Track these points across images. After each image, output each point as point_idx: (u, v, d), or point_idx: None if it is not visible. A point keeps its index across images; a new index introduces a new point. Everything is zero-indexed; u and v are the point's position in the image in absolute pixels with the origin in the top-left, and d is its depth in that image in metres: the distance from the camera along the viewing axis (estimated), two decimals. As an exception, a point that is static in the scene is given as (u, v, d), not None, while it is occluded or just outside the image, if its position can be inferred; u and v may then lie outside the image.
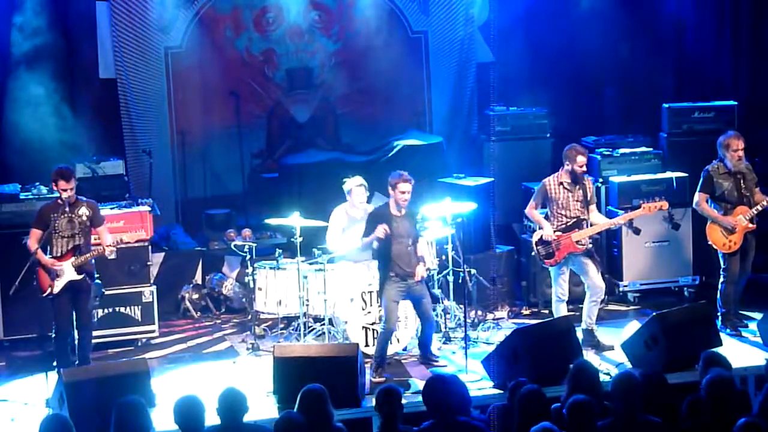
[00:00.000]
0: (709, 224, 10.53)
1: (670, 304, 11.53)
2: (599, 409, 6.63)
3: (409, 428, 6.72)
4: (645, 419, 6.58)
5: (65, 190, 9.44)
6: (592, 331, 10.28)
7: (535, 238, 10.37)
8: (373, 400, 6.86)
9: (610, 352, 10.10)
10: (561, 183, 10.23)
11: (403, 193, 9.66)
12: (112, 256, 9.78)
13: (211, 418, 6.80)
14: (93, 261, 9.69)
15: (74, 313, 9.59)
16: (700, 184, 10.58)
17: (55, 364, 9.39)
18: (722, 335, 10.15)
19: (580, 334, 9.91)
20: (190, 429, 6.67)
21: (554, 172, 10.42)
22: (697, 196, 10.59)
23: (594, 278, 10.24)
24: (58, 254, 9.49)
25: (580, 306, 10.64)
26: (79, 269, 9.48)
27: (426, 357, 10.06)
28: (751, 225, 10.41)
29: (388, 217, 9.74)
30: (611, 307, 11.78)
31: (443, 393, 6.70)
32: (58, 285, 9.45)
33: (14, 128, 12.36)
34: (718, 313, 10.52)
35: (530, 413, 6.54)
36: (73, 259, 9.48)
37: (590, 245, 10.31)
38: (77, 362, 9.65)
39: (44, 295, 9.45)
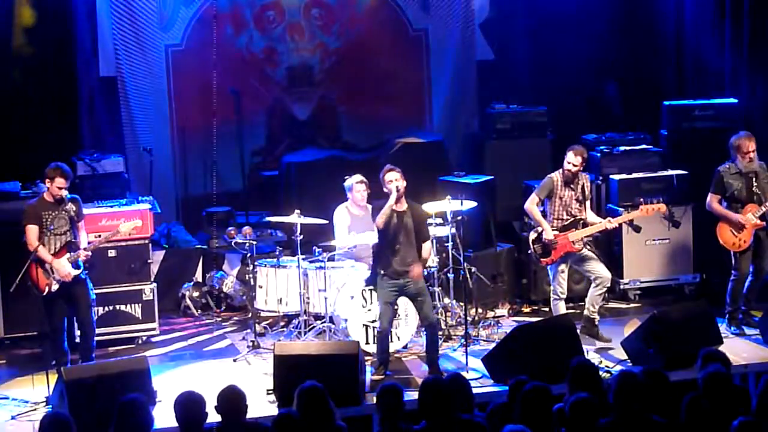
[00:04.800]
0: (719, 224, 10.50)
1: (671, 302, 11.58)
2: (600, 407, 6.62)
3: (410, 426, 6.72)
4: (646, 417, 6.58)
5: (61, 188, 9.38)
6: (594, 320, 10.27)
7: (533, 236, 10.38)
8: (374, 398, 6.86)
9: (610, 350, 10.10)
10: (565, 181, 10.24)
11: (391, 181, 9.48)
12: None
13: (212, 416, 6.80)
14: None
15: (73, 310, 9.57)
16: (711, 185, 10.54)
17: (53, 363, 9.39)
18: (727, 333, 10.20)
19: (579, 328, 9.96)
20: (190, 424, 6.67)
21: (554, 171, 10.43)
22: (709, 197, 10.55)
23: (598, 270, 10.22)
24: (52, 252, 9.41)
25: (580, 304, 10.66)
26: (75, 264, 9.47)
27: (432, 366, 9.67)
28: (760, 222, 10.37)
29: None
30: (612, 304, 11.78)
31: (438, 395, 6.67)
32: (57, 284, 9.42)
33: (14, 126, 12.38)
34: (725, 311, 10.52)
35: (533, 411, 6.52)
36: (68, 255, 9.44)
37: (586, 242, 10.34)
38: (80, 360, 9.65)
39: (43, 294, 9.39)
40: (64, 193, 9.43)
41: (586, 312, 10.26)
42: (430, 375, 9.26)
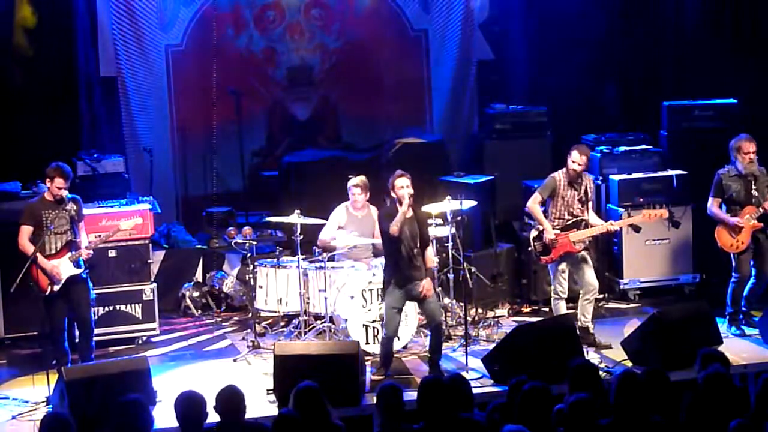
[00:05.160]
0: (717, 228, 10.49)
1: (671, 302, 11.58)
2: (601, 408, 6.63)
3: (410, 426, 6.72)
4: (647, 418, 6.59)
5: (60, 188, 9.40)
6: (588, 328, 10.28)
7: (533, 234, 10.38)
8: (374, 398, 6.86)
9: (610, 350, 10.10)
10: (569, 181, 10.24)
11: (402, 187, 9.44)
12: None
13: (212, 416, 6.80)
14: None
15: (73, 310, 9.57)
16: (711, 189, 10.53)
17: (54, 363, 9.39)
18: (727, 334, 10.20)
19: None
20: (190, 424, 6.68)
21: (554, 171, 10.43)
22: (710, 201, 10.54)
23: (588, 277, 10.25)
24: (53, 251, 9.43)
25: (581, 304, 10.67)
26: (76, 263, 9.48)
27: (433, 367, 9.66)
28: (757, 223, 10.36)
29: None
30: (611, 305, 11.80)
31: (438, 395, 6.67)
32: (58, 284, 9.42)
33: (14, 126, 12.38)
34: (726, 313, 10.52)
35: (532, 411, 6.52)
36: (70, 254, 9.46)
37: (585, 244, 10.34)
38: (80, 360, 9.66)
39: (45, 294, 9.41)
40: (64, 193, 9.44)
41: (578, 323, 10.23)
42: (429, 375, 9.26)
